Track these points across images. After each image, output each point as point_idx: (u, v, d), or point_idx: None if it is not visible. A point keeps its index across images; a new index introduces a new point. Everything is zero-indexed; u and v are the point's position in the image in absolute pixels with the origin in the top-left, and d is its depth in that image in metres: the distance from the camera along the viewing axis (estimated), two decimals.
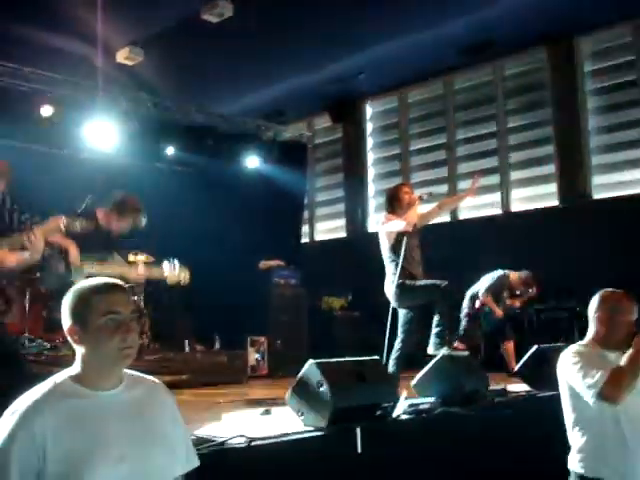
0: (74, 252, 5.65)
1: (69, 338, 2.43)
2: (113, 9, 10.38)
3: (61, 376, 2.41)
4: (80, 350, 2.42)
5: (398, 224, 6.70)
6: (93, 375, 2.40)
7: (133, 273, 5.98)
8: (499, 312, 9.46)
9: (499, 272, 9.62)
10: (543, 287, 10.95)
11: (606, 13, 11.78)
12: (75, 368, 2.43)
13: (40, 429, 2.22)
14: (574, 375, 3.75)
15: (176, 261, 5.87)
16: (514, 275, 9.65)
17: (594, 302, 3.99)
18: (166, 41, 10.93)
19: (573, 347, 3.93)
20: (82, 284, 2.51)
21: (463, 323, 9.51)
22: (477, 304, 9.46)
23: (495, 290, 9.52)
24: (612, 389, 3.54)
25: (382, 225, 6.83)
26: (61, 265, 5.62)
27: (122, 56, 12.00)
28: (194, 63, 11.71)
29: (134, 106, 10.87)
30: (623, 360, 3.64)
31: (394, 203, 6.83)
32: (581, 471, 3.81)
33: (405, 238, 6.63)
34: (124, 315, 2.43)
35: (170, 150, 11.66)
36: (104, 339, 2.38)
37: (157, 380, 2.65)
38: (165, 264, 5.83)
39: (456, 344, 9.04)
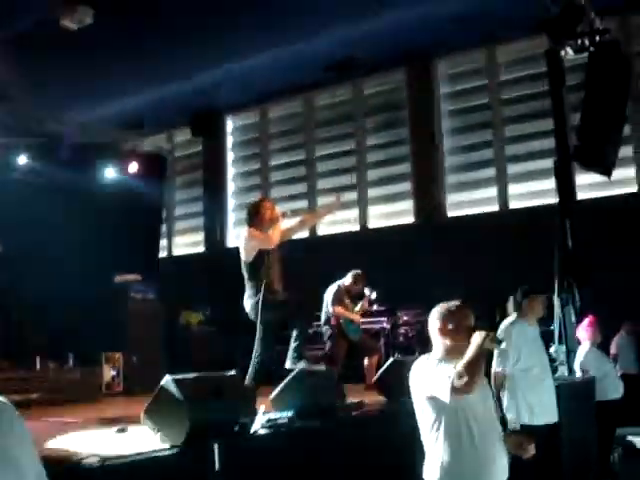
0: None
1: None
2: None
3: None
4: None
5: (261, 241, 6.69)
6: None
7: None
8: (356, 317, 9.54)
9: (333, 285, 9.71)
10: (399, 302, 11.23)
11: (462, 38, 12.23)
12: None
13: None
14: (427, 378, 3.86)
15: None
16: (345, 280, 9.74)
17: (433, 316, 4.17)
18: (22, 44, 10.54)
19: (423, 357, 4.05)
20: None
21: (327, 346, 9.51)
22: (333, 321, 9.52)
23: (339, 300, 9.59)
24: (462, 380, 3.66)
25: (244, 239, 6.77)
26: None
27: None
28: (50, 69, 11.33)
29: None
30: (467, 353, 3.78)
31: (255, 218, 6.81)
32: (437, 476, 3.93)
33: (266, 254, 6.64)
34: None
35: (22, 159, 11.22)
36: None
37: (4, 399, 2.53)
38: None
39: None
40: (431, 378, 3.86)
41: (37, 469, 2.47)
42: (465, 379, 3.69)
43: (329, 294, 9.60)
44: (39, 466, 2.51)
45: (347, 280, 9.68)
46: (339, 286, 9.64)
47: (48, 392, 8.35)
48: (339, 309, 9.44)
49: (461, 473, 3.85)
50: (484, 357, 3.81)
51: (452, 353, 3.99)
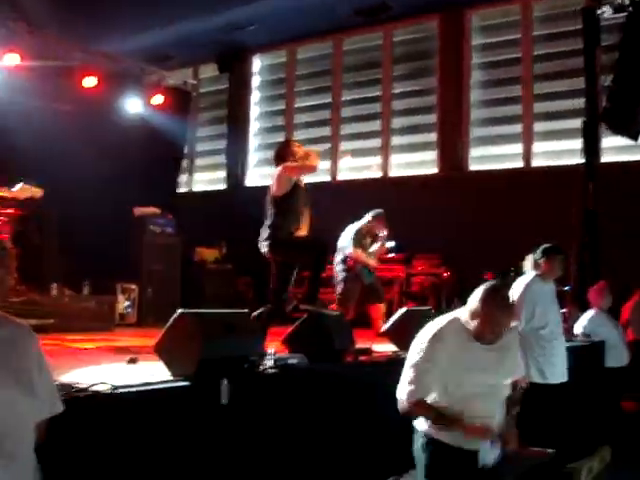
0: None
1: None
2: None
3: None
4: None
5: (301, 169, 6.68)
6: None
7: None
8: (373, 263, 9.50)
9: (352, 226, 9.63)
10: (415, 251, 11.24)
11: None
12: None
13: None
14: (408, 362, 4.10)
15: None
16: (365, 220, 9.66)
17: (487, 296, 4.00)
18: None
19: (437, 325, 4.08)
20: None
21: (339, 288, 9.47)
22: (349, 262, 9.44)
23: (359, 242, 9.52)
24: (405, 408, 3.98)
25: (280, 172, 6.66)
26: None
27: None
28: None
29: (10, 36, 10.35)
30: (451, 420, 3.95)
31: (287, 156, 6.76)
32: (425, 428, 4.03)
33: (298, 192, 6.64)
34: None
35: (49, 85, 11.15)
36: None
37: (23, 322, 2.57)
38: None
39: (334, 308, 9.15)
40: (414, 364, 4.08)
41: (50, 390, 2.52)
42: (408, 409, 3.95)
43: (348, 234, 9.52)
44: (53, 388, 2.55)
45: (367, 219, 9.63)
46: (360, 227, 9.58)
47: (63, 319, 8.44)
48: (358, 252, 9.39)
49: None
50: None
51: (479, 338, 4.00)
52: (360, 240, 9.50)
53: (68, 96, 11.28)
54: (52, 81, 11.01)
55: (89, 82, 11.27)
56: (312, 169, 6.76)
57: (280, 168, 6.64)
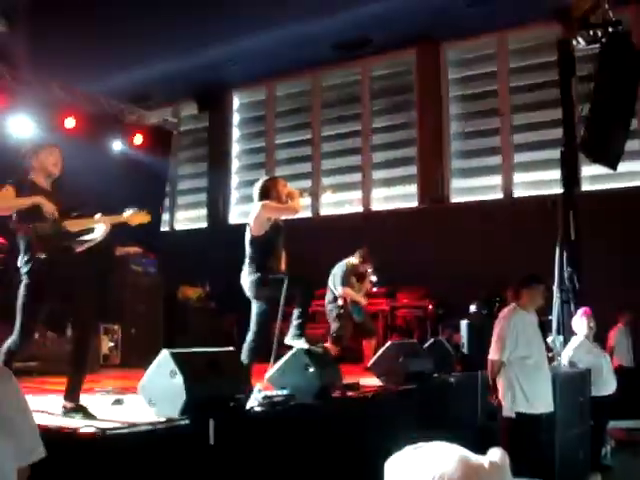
0: (47, 204, 5.09)
1: None
2: None
3: None
4: None
5: (282, 211, 6.66)
6: None
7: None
8: (361, 299, 9.52)
9: (340, 263, 9.68)
10: (399, 285, 11.26)
11: (474, 22, 12.18)
12: None
13: None
14: None
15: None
16: (352, 259, 9.71)
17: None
18: (30, 13, 10.52)
19: None
20: None
21: (334, 326, 9.48)
22: (341, 301, 9.49)
23: (348, 280, 9.57)
24: None
25: (259, 212, 6.64)
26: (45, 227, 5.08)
27: None
28: (59, 38, 11.29)
29: None
30: None
31: (271, 193, 6.73)
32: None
33: (276, 231, 6.62)
34: None
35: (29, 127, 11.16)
36: None
37: (3, 367, 2.54)
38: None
39: (329, 346, 9.14)
40: None
41: (32, 435, 2.49)
42: None
43: (337, 273, 9.57)
44: (35, 432, 2.52)
45: (354, 259, 9.67)
46: (347, 265, 9.62)
47: (46, 361, 8.36)
48: (347, 290, 9.44)
49: None
50: None
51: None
52: (348, 278, 9.55)
53: (50, 136, 11.27)
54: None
55: (69, 123, 11.29)
56: (293, 212, 6.74)
57: (260, 206, 6.62)
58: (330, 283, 9.59)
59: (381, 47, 13.34)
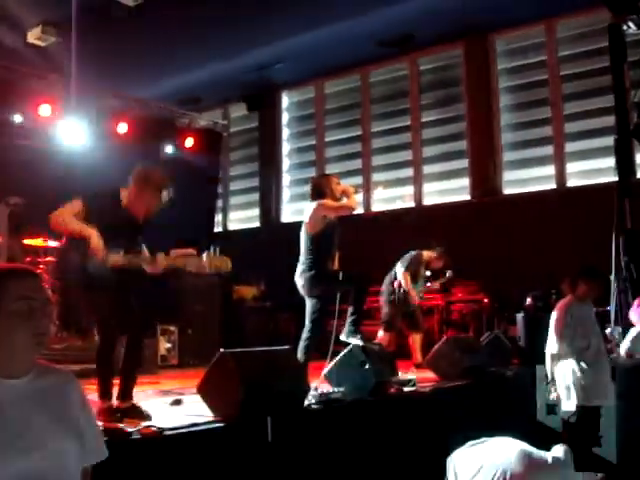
0: (95, 241, 4.81)
1: None
2: None
3: None
4: None
5: (338, 209, 6.68)
6: (3, 362, 2.32)
7: (158, 265, 5.28)
8: (414, 296, 9.43)
9: (412, 252, 9.63)
10: (455, 280, 11.21)
11: (521, 12, 12.05)
12: None
13: None
14: None
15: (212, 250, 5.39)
16: (427, 253, 9.67)
17: None
18: (81, 22, 10.68)
19: None
20: None
21: (385, 310, 9.44)
22: (395, 284, 9.39)
23: (412, 268, 9.48)
24: None
25: (316, 210, 6.65)
26: (76, 256, 4.87)
27: (33, 36, 11.65)
28: (110, 46, 11.46)
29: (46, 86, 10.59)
30: None
31: (325, 192, 6.74)
32: None
33: (332, 229, 6.64)
34: (39, 301, 2.36)
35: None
36: (17, 325, 2.31)
37: (66, 370, 2.59)
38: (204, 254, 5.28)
39: (381, 334, 9.14)
40: None
41: (95, 437, 2.54)
42: None
43: (406, 257, 9.53)
44: (97, 433, 2.57)
45: (432, 253, 9.65)
46: (420, 254, 9.58)
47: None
48: (405, 276, 9.35)
49: None
50: None
51: None
52: (416, 266, 9.50)
53: (104, 142, 11.45)
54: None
55: (121, 128, 11.47)
56: (349, 211, 6.75)
57: (316, 205, 6.62)
58: (397, 266, 9.51)
59: (428, 41, 13.26)
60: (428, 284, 9.80)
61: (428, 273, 9.85)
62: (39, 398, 2.35)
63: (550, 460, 3.13)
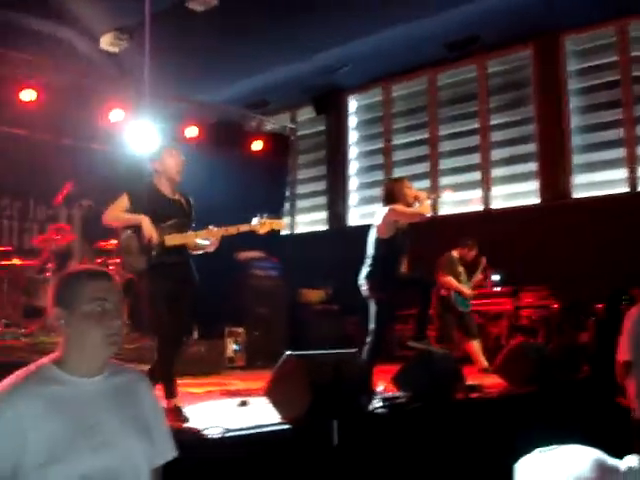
0: (147, 224, 5.22)
1: (54, 322, 2.41)
2: None
3: (44, 361, 2.39)
4: (65, 336, 2.40)
5: (410, 216, 6.66)
6: (77, 361, 2.38)
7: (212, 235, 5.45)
8: (464, 289, 9.29)
9: (441, 257, 9.51)
10: (522, 284, 11.05)
11: (592, 12, 11.85)
12: (59, 354, 2.41)
13: (20, 416, 2.20)
14: None
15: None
16: (455, 250, 9.53)
17: None
18: (152, 27, 10.87)
19: None
20: (71, 269, 2.51)
21: (437, 324, 9.34)
22: (442, 292, 9.26)
23: (446, 267, 9.35)
24: None
25: (388, 215, 6.63)
26: (135, 244, 5.26)
27: (106, 42, 11.90)
28: (178, 52, 11.63)
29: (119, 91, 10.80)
30: None
31: (398, 197, 6.73)
32: None
33: (402, 234, 6.63)
34: (112, 302, 2.41)
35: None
36: (91, 325, 2.36)
37: (137, 369, 2.64)
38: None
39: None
40: None
41: (165, 436, 2.58)
42: None
43: (438, 264, 9.42)
44: (167, 433, 2.61)
45: (457, 249, 9.53)
46: (448, 253, 9.48)
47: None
48: (448, 278, 9.23)
49: None
50: None
51: None
52: (451, 266, 9.39)
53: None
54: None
55: (191, 132, 11.63)
56: (420, 218, 6.71)
57: (388, 210, 6.61)
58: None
59: (495, 42, 13.12)
60: (470, 281, 9.61)
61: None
62: (111, 397, 2.41)
63: (623, 468, 3.06)
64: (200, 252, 5.54)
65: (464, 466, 5.12)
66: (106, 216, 5.45)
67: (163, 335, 5.21)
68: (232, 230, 5.45)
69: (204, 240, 5.44)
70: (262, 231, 5.46)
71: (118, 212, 5.37)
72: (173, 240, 5.29)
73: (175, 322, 5.22)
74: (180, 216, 5.50)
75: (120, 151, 10.32)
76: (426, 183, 14.15)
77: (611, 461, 2.65)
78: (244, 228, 5.43)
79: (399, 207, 6.60)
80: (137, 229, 5.27)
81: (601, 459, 2.78)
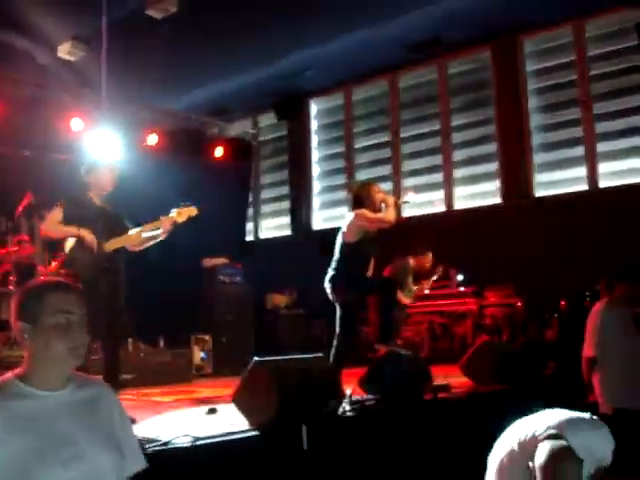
0: (87, 235, 5.50)
1: (18, 336, 2.39)
2: (54, 2, 10.24)
3: (7, 376, 2.36)
4: (29, 349, 2.37)
5: (378, 222, 6.63)
6: (41, 375, 2.36)
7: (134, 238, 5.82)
8: (402, 297, 9.31)
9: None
10: (484, 284, 11.13)
11: (549, 13, 11.98)
12: (22, 368, 2.38)
13: None
14: None
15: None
16: (414, 258, 9.58)
17: None
18: (110, 35, 10.81)
19: None
20: (34, 282, 2.49)
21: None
22: None
23: (397, 274, 9.37)
24: None
25: (355, 219, 6.62)
26: (81, 254, 5.52)
27: (64, 51, 11.78)
28: (138, 59, 11.56)
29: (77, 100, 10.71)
30: None
31: (365, 201, 6.71)
32: None
33: (369, 239, 6.62)
34: (76, 314, 2.39)
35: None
36: (55, 338, 2.34)
37: (103, 381, 2.62)
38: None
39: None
40: None
41: (134, 447, 2.56)
42: None
43: (392, 266, 9.46)
44: (135, 444, 2.59)
45: (417, 256, 9.57)
46: (406, 261, 9.50)
47: (140, 373, 8.56)
48: None
49: None
50: None
51: None
52: (401, 274, 9.40)
53: (134, 154, 11.54)
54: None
55: (151, 140, 11.56)
56: (387, 224, 6.69)
57: (354, 215, 6.61)
58: None
59: (455, 44, 13.23)
60: (414, 288, 9.66)
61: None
62: (78, 410, 2.39)
63: (589, 416, 3.27)
64: (152, 243, 5.89)
65: (435, 466, 5.14)
66: (43, 227, 5.79)
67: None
68: (156, 223, 5.81)
69: (151, 232, 5.80)
70: (180, 220, 5.76)
71: (55, 223, 5.64)
72: (113, 245, 5.60)
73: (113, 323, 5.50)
74: (111, 222, 5.75)
75: (81, 160, 10.21)
76: (389, 185, 14.20)
77: (579, 413, 2.90)
78: (166, 220, 5.72)
79: (365, 213, 6.59)
80: (79, 240, 5.52)
81: (572, 412, 3.05)
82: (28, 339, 2.36)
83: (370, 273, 6.77)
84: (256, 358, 4.40)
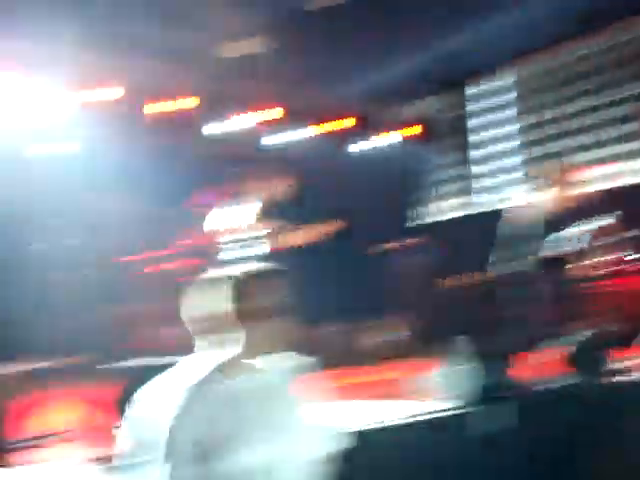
0: None
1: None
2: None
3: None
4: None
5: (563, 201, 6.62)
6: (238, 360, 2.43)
7: None
8: None
9: None
10: None
11: None
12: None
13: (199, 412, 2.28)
14: None
15: None
16: None
17: None
18: (287, 28, 11.05)
19: None
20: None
21: None
22: None
23: None
24: None
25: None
26: None
27: (246, 46, 12.07)
28: (314, 50, 11.74)
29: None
30: None
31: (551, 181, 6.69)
32: None
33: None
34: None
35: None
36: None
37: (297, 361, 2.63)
38: None
39: None
40: None
41: (324, 430, 2.63)
42: None
43: None
44: (327, 427, 2.68)
45: None
46: None
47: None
48: None
49: None
50: None
51: None
52: None
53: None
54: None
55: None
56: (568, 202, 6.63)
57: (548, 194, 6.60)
58: None
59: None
60: None
61: None
62: (271, 393, 2.47)
63: None
64: None
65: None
66: None
67: None
68: None
69: None
70: None
71: None
72: None
73: None
74: None
75: None
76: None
77: None
78: None
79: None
80: None
81: None
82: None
83: None
84: (459, 338, 4.46)
